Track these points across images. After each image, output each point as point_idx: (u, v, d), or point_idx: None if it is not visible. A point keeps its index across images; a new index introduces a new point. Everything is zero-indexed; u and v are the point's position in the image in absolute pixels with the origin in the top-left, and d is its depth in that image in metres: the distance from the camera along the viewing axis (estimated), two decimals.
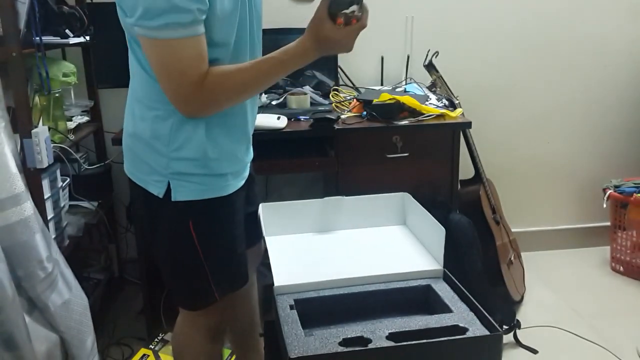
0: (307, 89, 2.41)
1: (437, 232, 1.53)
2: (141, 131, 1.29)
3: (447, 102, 2.33)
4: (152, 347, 2.04)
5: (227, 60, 1.24)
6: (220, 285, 1.40)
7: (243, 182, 1.42)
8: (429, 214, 1.62)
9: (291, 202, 1.81)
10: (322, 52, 1.21)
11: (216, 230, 1.36)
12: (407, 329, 1.27)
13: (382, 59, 2.68)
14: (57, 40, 2.01)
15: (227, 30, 1.22)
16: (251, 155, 1.49)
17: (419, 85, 2.49)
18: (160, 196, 1.30)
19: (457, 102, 2.32)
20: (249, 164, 1.47)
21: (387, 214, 1.83)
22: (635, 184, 2.75)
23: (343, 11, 1.16)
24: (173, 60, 1.13)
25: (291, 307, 1.36)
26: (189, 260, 1.36)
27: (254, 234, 1.61)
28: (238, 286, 1.46)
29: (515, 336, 2.22)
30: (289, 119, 2.16)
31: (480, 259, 2.20)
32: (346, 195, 1.86)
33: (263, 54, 1.27)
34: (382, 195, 1.84)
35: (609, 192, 2.75)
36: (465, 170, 2.44)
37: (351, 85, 2.59)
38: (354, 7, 1.16)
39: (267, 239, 1.60)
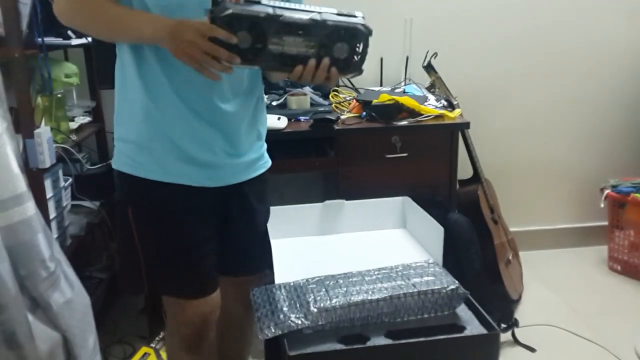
0: (307, 89, 2.42)
1: (436, 233, 1.54)
2: None
3: (445, 103, 2.34)
4: (154, 345, 2.05)
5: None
6: (152, 279, 1.38)
7: (198, 184, 1.31)
8: (429, 216, 1.63)
9: (292, 207, 1.83)
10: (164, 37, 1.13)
11: (150, 220, 1.33)
12: (405, 327, 1.29)
13: (382, 60, 2.69)
14: (59, 41, 2.01)
15: None
16: (221, 160, 1.34)
17: (418, 86, 2.51)
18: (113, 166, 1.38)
19: (455, 102, 2.33)
20: (218, 170, 1.34)
21: (388, 218, 1.85)
22: (632, 183, 2.76)
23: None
24: None
25: None
26: (127, 239, 1.36)
27: (253, 262, 1.55)
28: (177, 293, 1.39)
29: (513, 335, 2.23)
30: (289, 120, 2.17)
31: (478, 258, 2.21)
32: (346, 195, 1.87)
33: None
34: (383, 199, 1.86)
35: (606, 191, 2.77)
36: (464, 170, 2.45)
37: (351, 86, 2.60)
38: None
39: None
